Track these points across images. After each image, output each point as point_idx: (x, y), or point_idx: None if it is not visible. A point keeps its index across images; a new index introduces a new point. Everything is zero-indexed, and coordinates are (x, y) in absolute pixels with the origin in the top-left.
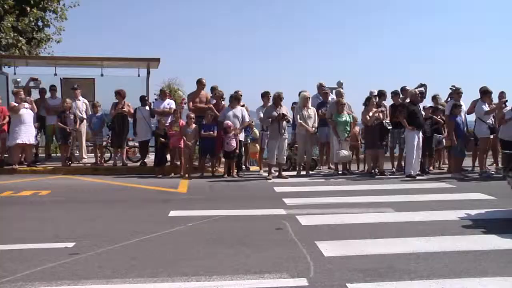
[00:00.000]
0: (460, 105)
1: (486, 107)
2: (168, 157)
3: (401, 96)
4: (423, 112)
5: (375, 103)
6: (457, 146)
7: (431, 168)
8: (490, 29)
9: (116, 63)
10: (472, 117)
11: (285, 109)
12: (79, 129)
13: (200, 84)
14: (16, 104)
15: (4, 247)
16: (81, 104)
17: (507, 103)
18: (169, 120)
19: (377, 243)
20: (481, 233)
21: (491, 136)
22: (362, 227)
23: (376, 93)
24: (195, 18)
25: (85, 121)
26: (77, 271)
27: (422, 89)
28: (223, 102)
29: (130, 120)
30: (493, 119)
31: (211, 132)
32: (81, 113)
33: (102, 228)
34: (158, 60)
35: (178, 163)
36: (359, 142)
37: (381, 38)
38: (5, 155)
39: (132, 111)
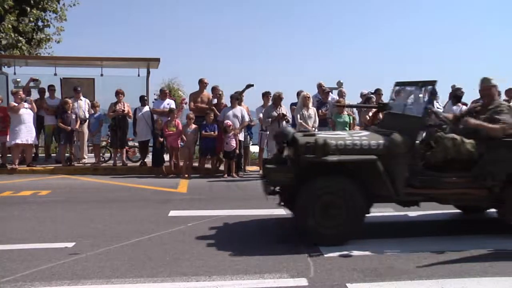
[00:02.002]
0: (465, 104)
1: None
2: (167, 157)
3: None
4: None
5: (374, 103)
6: None
7: None
8: (489, 28)
9: (116, 63)
10: None
11: (285, 109)
12: (81, 129)
13: (202, 84)
14: (16, 104)
15: (4, 247)
16: (84, 104)
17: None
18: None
19: (377, 243)
20: (481, 233)
21: None
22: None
23: (366, 93)
24: (195, 17)
25: (87, 121)
26: (77, 271)
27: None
28: (223, 102)
29: (130, 120)
30: None
31: (212, 133)
32: (84, 113)
33: (102, 228)
34: (158, 60)
35: (178, 163)
36: None
37: (380, 37)
38: (8, 155)
39: (131, 112)
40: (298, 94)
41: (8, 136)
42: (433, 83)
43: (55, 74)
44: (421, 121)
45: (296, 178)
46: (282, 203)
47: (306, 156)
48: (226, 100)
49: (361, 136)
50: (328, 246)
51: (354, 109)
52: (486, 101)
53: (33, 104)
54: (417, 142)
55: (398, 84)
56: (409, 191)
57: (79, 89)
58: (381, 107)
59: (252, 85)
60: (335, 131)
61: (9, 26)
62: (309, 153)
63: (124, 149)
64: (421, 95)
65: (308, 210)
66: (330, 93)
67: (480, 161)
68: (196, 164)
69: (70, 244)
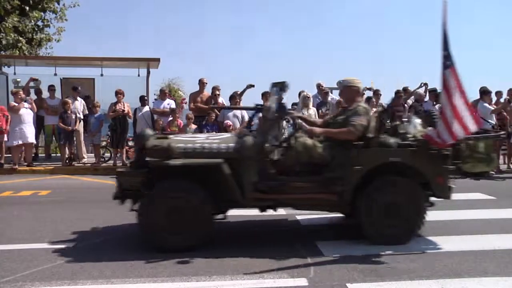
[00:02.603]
0: None
1: (489, 107)
2: None
3: (403, 96)
4: None
5: (374, 103)
6: None
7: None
8: (490, 28)
9: (116, 63)
10: None
11: None
12: (77, 129)
13: (201, 84)
14: (16, 104)
15: (4, 247)
16: (79, 104)
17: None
18: (168, 120)
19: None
20: (481, 233)
21: None
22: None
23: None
24: (195, 17)
25: (82, 120)
26: (77, 271)
27: (423, 88)
28: (220, 99)
29: (130, 120)
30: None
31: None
32: (79, 113)
33: (102, 228)
34: (158, 60)
35: None
36: None
37: (378, 37)
38: (8, 155)
39: (131, 112)
40: (299, 94)
41: (6, 136)
42: (283, 83)
43: (55, 74)
44: (272, 123)
45: (146, 182)
46: (134, 209)
47: (151, 159)
48: (225, 100)
49: (213, 140)
50: (175, 252)
51: None
52: (347, 103)
53: (33, 104)
54: (268, 145)
55: (273, 85)
56: (257, 196)
57: (79, 89)
58: (258, 109)
59: (253, 86)
60: (193, 134)
61: (9, 26)
62: (155, 157)
63: (124, 149)
64: (276, 97)
65: (150, 214)
66: (329, 93)
67: (331, 165)
68: None
69: (70, 244)
